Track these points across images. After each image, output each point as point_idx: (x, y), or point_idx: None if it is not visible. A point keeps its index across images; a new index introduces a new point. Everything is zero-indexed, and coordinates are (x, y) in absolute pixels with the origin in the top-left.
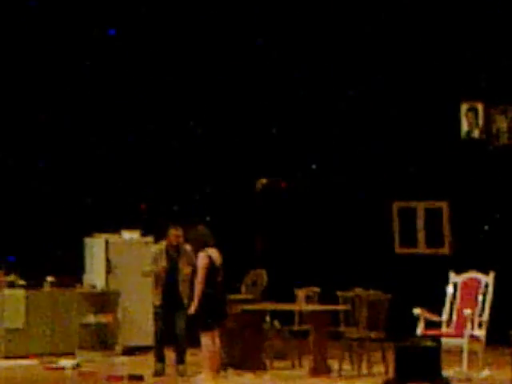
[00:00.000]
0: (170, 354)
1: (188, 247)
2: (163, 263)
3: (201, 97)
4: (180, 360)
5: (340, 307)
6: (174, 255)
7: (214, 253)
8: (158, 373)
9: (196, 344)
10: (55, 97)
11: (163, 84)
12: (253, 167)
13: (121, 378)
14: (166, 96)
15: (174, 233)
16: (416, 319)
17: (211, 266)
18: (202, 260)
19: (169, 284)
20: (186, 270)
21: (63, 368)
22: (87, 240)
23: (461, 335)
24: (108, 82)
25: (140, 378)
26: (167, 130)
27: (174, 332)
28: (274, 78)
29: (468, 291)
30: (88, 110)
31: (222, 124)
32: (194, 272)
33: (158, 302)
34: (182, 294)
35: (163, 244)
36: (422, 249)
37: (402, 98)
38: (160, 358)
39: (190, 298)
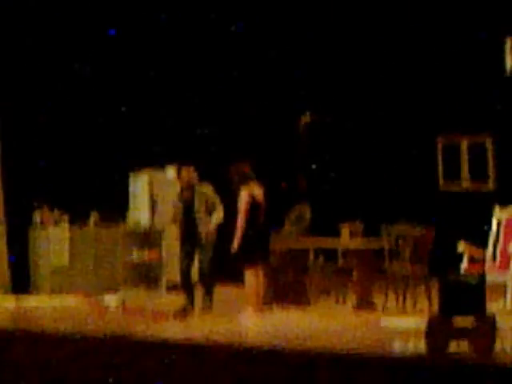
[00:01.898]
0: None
1: (205, 186)
2: (178, 205)
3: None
4: (207, 294)
5: (384, 243)
6: (188, 196)
7: (256, 189)
8: (184, 309)
9: (239, 281)
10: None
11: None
12: (297, 103)
13: (165, 314)
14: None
15: (185, 174)
16: (460, 255)
17: (252, 203)
18: (242, 198)
19: (185, 225)
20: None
21: (108, 305)
22: (132, 176)
23: (505, 271)
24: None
25: (184, 313)
26: (209, 64)
27: (199, 269)
28: (322, 11)
29: None
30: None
31: (264, 60)
32: (234, 208)
33: (179, 243)
34: (201, 232)
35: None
36: (466, 184)
37: (446, 33)
38: (188, 295)
39: (233, 235)
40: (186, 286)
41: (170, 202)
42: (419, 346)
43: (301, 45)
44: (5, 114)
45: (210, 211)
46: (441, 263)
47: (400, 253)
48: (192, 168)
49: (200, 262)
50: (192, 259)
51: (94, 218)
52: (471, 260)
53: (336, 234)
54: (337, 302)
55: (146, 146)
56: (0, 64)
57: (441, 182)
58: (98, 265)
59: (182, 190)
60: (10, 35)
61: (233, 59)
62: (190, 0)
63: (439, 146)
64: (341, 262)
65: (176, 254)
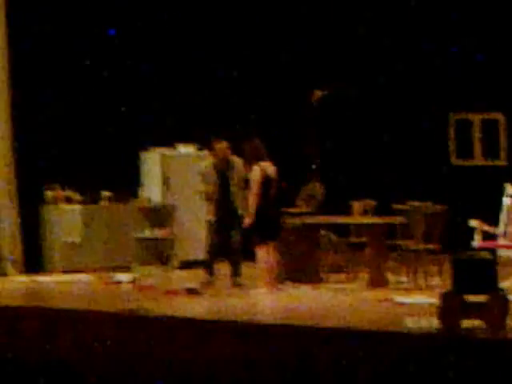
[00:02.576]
0: (224, 268)
1: (237, 159)
2: (213, 179)
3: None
4: (236, 272)
5: (396, 219)
6: (223, 169)
7: (268, 166)
8: (207, 285)
9: (251, 257)
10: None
11: None
12: (308, 78)
13: (178, 291)
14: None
15: (220, 146)
16: (472, 231)
17: (265, 180)
18: (255, 174)
19: (222, 198)
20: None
21: (120, 282)
22: (143, 154)
23: None
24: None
25: (197, 291)
26: (221, 41)
27: (229, 245)
28: None
29: None
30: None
31: (275, 36)
32: (247, 185)
33: (212, 218)
34: (236, 207)
35: (210, 160)
36: (478, 160)
37: (461, 14)
38: (210, 271)
39: (245, 212)
40: (211, 265)
41: (183, 178)
42: (432, 322)
43: (318, 17)
44: (16, 94)
45: (241, 186)
46: (453, 239)
47: (412, 229)
48: (224, 141)
49: (232, 238)
50: (225, 235)
51: (105, 195)
52: (483, 236)
53: (348, 213)
54: (349, 279)
55: (158, 123)
56: (13, 50)
57: (453, 158)
58: (110, 242)
59: (216, 165)
60: (24, 21)
61: (246, 37)
62: None
63: (451, 123)
64: (353, 238)
65: (188, 231)
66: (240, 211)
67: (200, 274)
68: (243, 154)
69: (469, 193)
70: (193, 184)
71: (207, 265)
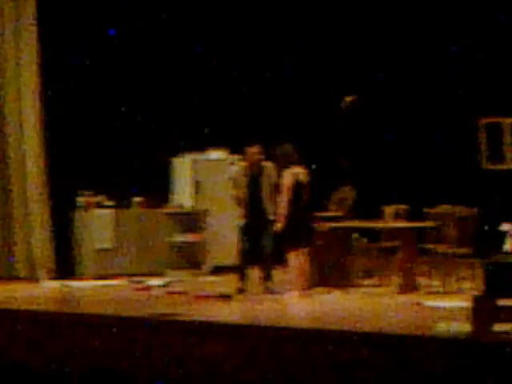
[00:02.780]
0: (255, 273)
1: (269, 164)
2: (244, 183)
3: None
4: (267, 277)
5: (428, 224)
6: (255, 174)
7: (299, 171)
8: (240, 291)
9: (284, 262)
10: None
11: None
12: (338, 84)
13: (209, 296)
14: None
15: (253, 151)
16: (503, 235)
17: (296, 185)
18: (286, 179)
19: (253, 203)
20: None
21: (152, 287)
22: (174, 160)
23: None
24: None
25: (228, 296)
26: (253, 46)
27: (261, 250)
28: None
29: None
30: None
31: (307, 44)
32: (278, 190)
33: (242, 223)
34: (267, 212)
35: (242, 165)
36: (508, 164)
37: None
38: (242, 277)
39: (275, 216)
40: (244, 270)
41: (214, 183)
42: (463, 326)
43: (346, 24)
44: (49, 99)
45: (272, 191)
46: (484, 243)
47: (444, 233)
48: (258, 146)
49: (263, 243)
50: (255, 240)
51: (137, 200)
52: None
53: (380, 217)
54: (381, 283)
55: (189, 129)
56: (48, 56)
57: (483, 162)
58: (142, 247)
59: (248, 169)
60: (56, 22)
61: (275, 41)
62: None
63: (482, 127)
64: (384, 242)
65: (219, 236)
66: (271, 216)
67: (231, 278)
68: (274, 158)
69: (500, 196)
70: (224, 188)
71: (240, 270)
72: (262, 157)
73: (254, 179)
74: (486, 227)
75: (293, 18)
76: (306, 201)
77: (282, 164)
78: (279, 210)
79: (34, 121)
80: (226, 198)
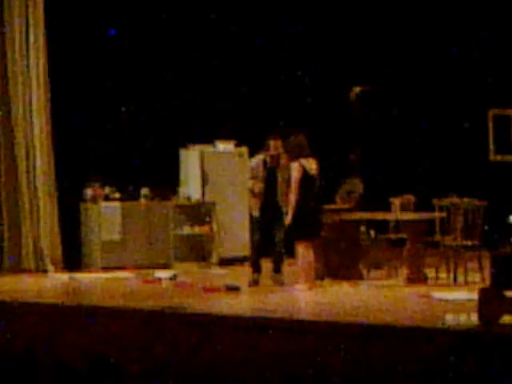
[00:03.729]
0: (266, 265)
1: (286, 157)
2: (262, 175)
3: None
4: (277, 269)
5: (436, 215)
6: (272, 166)
7: (309, 163)
8: (254, 282)
9: (292, 254)
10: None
11: None
12: (348, 76)
13: (217, 288)
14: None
15: (274, 144)
16: (511, 227)
17: (305, 177)
18: (295, 171)
19: (268, 195)
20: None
21: (160, 279)
22: (182, 152)
23: None
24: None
25: (237, 288)
26: (261, 39)
27: (273, 242)
28: None
29: None
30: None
31: (319, 34)
32: (289, 183)
33: (256, 214)
34: (280, 205)
35: (260, 156)
36: None
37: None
38: (256, 269)
39: (287, 209)
40: (256, 262)
41: (222, 175)
42: (471, 318)
43: (354, 15)
44: (56, 91)
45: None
46: (492, 235)
47: (452, 225)
48: (279, 139)
49: (276, 236)
50: (268, 232)
51: (145, 192)
52: None
53: (387, 209)
54: (389, 275)
55: (197, 121)
56: (54, 44)
57: (492, 154)
58: (150, 239)
59: (266, 161)
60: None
61: (285, 30)
62: None
63: (490, 119)
64: (392, 234)
65: (227, 228)
66: (284, 209)
67: (239, 270)
68: (286, 149)
69: (508, 188)
70: (232, 180)
71: (253, 262)
72: (282, 150)
73: (271, 172)
74: (498, 215)
75: (306, 8)
76: (315, 193)
77: (292, 155)
78: (289, 202)
79: (42, 114)
80: (234, 189)
